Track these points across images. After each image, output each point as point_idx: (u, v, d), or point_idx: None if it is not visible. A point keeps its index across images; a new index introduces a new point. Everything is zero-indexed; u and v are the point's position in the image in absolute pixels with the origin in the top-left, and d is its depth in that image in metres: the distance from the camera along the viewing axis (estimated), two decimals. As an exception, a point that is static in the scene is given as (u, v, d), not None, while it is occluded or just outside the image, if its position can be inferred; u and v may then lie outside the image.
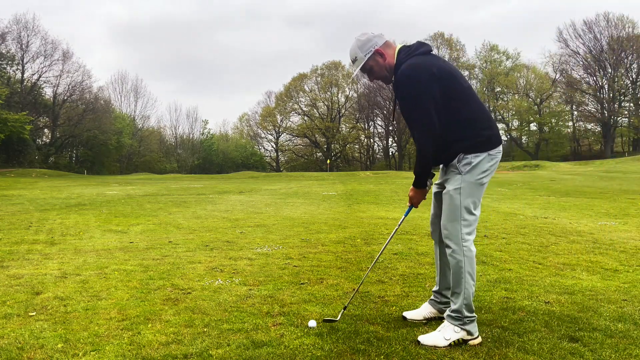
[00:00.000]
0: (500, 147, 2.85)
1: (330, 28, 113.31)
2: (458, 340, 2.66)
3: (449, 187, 2.80)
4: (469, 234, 2.75)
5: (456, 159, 2.78)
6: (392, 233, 3.28)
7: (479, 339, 2.69)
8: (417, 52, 2.82)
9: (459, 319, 2.70)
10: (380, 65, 2.89)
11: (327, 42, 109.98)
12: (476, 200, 2.78)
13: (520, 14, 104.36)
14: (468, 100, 2.79)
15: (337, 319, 3.02)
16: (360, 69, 2.90)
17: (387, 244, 3.27)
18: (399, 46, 2.91)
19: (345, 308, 3.13)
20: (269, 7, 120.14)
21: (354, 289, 3.77)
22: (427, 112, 2.70)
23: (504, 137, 70.65)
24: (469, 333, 2.69)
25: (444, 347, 2.62)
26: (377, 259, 3.37)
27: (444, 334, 2.68)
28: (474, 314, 2.74)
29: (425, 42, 2.90)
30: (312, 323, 2.94)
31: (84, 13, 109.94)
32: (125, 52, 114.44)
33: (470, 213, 2.75)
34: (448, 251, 2.80)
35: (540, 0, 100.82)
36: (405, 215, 3.22)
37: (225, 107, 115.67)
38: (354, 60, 2.92)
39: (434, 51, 3.02)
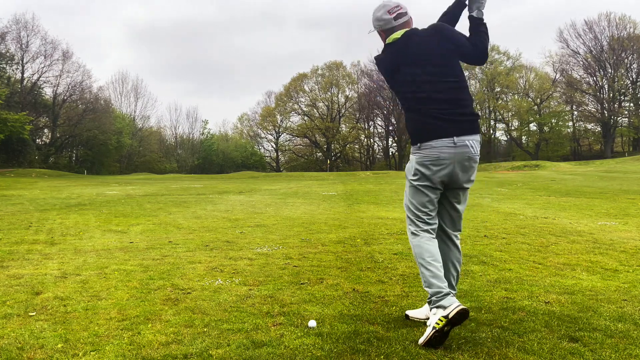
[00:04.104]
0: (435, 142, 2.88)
1: (342, 30, 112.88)
2: (439, 320, 2.57)
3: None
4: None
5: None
6: None
7: (457, 308, 2.57)
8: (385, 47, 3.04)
9: (430, 301, 2.75)
10: (382, 41, 3.08)
11: (337, 44, 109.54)
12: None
13: (527, 15, 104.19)
14: (411, 89, 2.92)
15: None
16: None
17: None
18: (388, 39, 3.00)
19: None
20: (283, 10, 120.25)
21: (353, 288, 3.77)
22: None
23: (503, 137, 70.70)
24: (443, 307, 2.62)
25: (431, 334, 2.57)
26: None
27: (428, 323, 2.67)
28: (439, 289, 2.67)
29: (379, 58, 3.06)
30: (312, 323, 2.94)
31: (100, 15, 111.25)
32: (131, 53, 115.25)
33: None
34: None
35: (547, 1, 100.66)
36: None
37: (225, 107, 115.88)
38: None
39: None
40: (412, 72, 2.89)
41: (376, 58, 3.09)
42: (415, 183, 2.90)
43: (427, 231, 2.91)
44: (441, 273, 2.77)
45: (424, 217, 2.92)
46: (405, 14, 2.97)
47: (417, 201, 2.92)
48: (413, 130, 2.94)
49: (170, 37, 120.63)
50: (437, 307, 2.65)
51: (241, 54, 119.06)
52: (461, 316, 2.59)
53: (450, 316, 2.57)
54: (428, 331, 2.62)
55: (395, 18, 2.94)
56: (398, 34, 2.93)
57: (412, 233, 2.93)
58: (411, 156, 2.98)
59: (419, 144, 2.88)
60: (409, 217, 2.98)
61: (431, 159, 2.83)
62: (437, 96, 2.85)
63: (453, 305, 2.61)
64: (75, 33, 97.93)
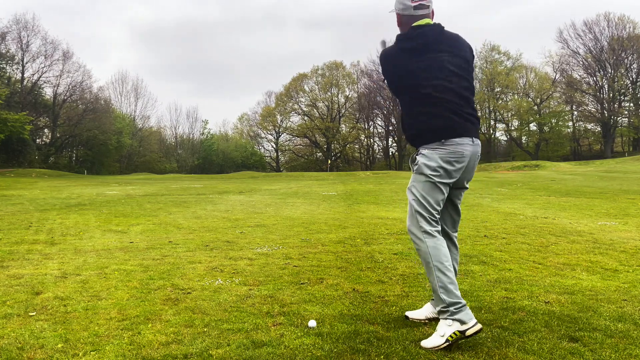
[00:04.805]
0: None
1: (342, 30, 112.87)
2: (454, 333, 2.57)
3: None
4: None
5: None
6: None
7: (477, 327, 2.58)
8: (396, 40, 2.98)
9: (445, 310, 2.67)
10: (397, 25, 3.06)
11: (337, 44, 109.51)
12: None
13: (527, 15, 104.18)
14: (435, 75, 2.84)
15: None
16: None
17: None
18: (416, 23, 2.93)
19: None
20: (284, 10, 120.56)
21: (353, 288, 3.77)
22: (394, 95, 3.09)
23: (503, 137, 70.72)
24: (462, 322, 2.59)
25: (443, 345, 2.57)
26: None
27: (439, 332, 2.64)
28: (459, 300, 2.65)
29: (414, 33, 2.89)
30: (312, 323, 2.94)
31: (101, 15, 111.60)
32: (131, 52, 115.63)
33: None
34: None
35: (547, 1, 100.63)
36: None
37: (225, 107, 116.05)
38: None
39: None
40: (443, 59, 2.85)
41: (400, 35, 2.97)
42: (436, 179, 2.81)
43: (439, 232, 2.86)
44: (455, 279, 2.76)
45: (437, 216, 2.87)
46: (427, 7, 2.92)
47: (433, 198, 2.84)
48: (433, 125, 2.82)
49: (170, 37, 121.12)
50: (455, 320, 2.61)
51: (241, 54, 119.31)
52: (476, 334, 2.60)
53: (467, 334, 2.57)
54: (440, 341, 2.58)
55: (416, 8, 2.90)
56: (430, 20, 2.92)
57: (427, 232, 2.80)
58: (428, 152, 2.82)
59: (442, 140, 2.80)
60: (421, 214, 2.82)
61: (457, 156, 2.80)
62: (460, 92, 2.85)
63: (472, 322, 2.59)
64: (76, 33, 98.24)
